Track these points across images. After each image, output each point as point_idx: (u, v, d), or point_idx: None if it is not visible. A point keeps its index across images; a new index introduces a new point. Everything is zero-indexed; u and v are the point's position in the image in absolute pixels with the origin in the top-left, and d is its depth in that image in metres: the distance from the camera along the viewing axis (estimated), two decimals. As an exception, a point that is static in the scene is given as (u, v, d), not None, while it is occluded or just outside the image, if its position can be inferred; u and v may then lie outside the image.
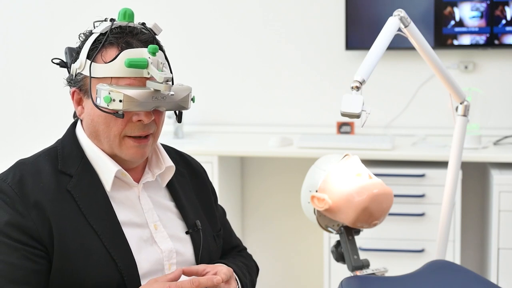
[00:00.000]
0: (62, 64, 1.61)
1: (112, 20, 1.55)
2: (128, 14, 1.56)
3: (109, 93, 1.46)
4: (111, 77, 1.49)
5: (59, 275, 1.48)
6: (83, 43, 1.56)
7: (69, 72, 1.60)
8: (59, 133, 1.66)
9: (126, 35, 1.53)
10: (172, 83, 1.57)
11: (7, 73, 3.87)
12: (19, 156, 1.64)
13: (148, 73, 1.49)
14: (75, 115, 1.63)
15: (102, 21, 1.57)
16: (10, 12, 3.84)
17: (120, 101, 1.46)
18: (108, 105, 1.47)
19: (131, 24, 1.55)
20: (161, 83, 1.46)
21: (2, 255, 1.45)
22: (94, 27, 1.57)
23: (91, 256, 1.49)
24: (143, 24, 1.58)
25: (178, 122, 1.65)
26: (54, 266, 1.48)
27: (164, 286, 1.45)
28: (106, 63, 1.50)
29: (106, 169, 1.56)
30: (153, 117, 1.53)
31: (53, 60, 1.60)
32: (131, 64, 1.47)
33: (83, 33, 1.58)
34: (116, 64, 1.49)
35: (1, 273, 1.44)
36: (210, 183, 1.82)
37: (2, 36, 3.86)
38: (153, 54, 1.48)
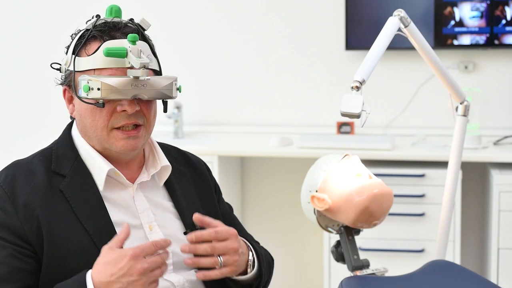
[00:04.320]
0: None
1: (97, 16, 1.56)
2: (114, 10, 1.57)
3: (88, 82, 1.46)
4: (94, 69, 1.50)
5: (50, 276, 1.47)
6: (71, 41, 1.57)
7: None
8: (59, 134, 1.65)
9: (110, 29, 1.53)
10: (161, 74, 1.58)
11: (7, 73, 3.87)
12: (20, 156, 1.64)
13: (129, 63, 1.49)
14: (71, 117, 1.63)
15: (91, 19, 1.57)
16: (10, 13, 3.84)
17: (98, 89, 1.46)
18: (87, 95, 1.47)
19: (116, 19, 1.56)
20: (138, 68, 1.46)
21: None
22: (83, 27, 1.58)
23: (83, 256, 1.48)
24: (131, 19, 1.58)
25: (164, 111, 1.63)
26: (44, 266, 1.47)
27: (121, 253, 1.39)
28: (88, 56, 1.51)
29: (98, 168, 1.56)
30: (137, 107, 1.53)
31: (52, 65, 1.61)
32: (109, 53, 1.47)
33: (74, 33, 1.59)
34: (97, 55, 1.50)
35: None
36: (214, 181, 1.81)
37: (2, 36, 3.86)
38: (133, 42, 1.48)
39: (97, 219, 1.52)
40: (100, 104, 1.49)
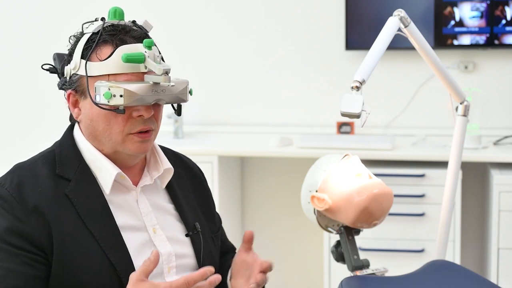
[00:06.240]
0: (52, 70, 1.60)
1: (103, 19, 1.55)
2: (118, 13, 1.56)
3: (109, 89, 1.45)
4: (108, 74, 1.49)
5: (58, 280, 1.46)
6: (75, 44, 1.55)
7: (59, 77, 1.60)
8: (59, 135, 1.64)
9: (119, 32, 1.52)
10: None
11: (7, 73, 3.87)
12: (19, 159, 1.63)
13: (145, 67, 1.48)
14: (71, 119, 1.62)
15: (92, 21, 1.56)
16: (10, 13, 3.84)
17: (121, 96, 1.45)
18: (108, 101, 1.46)
19: (122, 22, 1.55)
20: (160, 75, 1.46)
21: (2, 261, 1.44)
22: (82, 29, 1.56)
23: (90, 261, 1.47)
24: (134, 21, 1.58)
25: (178, 115, 1.63)
26: (53, 271, 1.46)
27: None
28: (101, 61, 1.50)
29: (105, 172, 1.55)
30: (153, 112, 1.52)
31: (43, 66, 1.60)
32: (129, 59, 1.46)
33: (74, 35, 1.57)
34: (112, 61, 1.49)
35: (2, 279, 1.43)
36: (208, 187, 1.81)
37: (2, 36, 3.86)
38: (149, 48, 1.48)
39: (103, 223, 1.51)
40: (121, 110, 1.47)
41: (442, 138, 3.34)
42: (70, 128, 1.62)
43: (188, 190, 1.71)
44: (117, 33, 1.52)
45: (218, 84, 3.69)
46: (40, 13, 3.80)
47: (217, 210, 1.84)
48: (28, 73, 3.84)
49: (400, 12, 1.93)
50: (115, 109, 1.48)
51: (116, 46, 1.50)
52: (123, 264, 1.49)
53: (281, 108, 3.65)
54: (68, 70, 1.54)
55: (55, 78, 1.63)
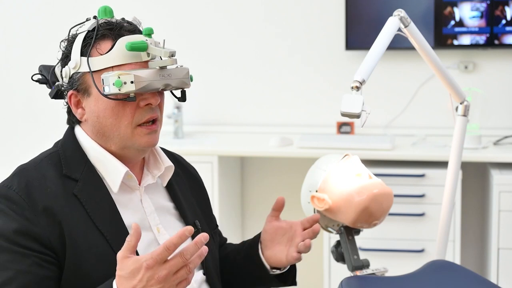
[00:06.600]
0: (43, 80, 1.60)
1: (95, 17, 1.56)
2: (108, 11, 1.57)
3: (119, 77, 1.45)
4: (112, 66, 1.49)
5: (71, 280, 1.46)
6: (70, 45, 1.55)
7: (49, 87, 1.60)
8: (59, 135, 1.64)
9: (115, 27, 1.54)
10: None
11: (7, 73, 3.87)
12: (19, 159, 1.62)
13: (148, 55, 1.50)
14: (69, 122, 1.61)
15: (81, 23, 1.57)
16: (10, 13, 3.84)
17: (132, 82, 1.45)
18: (120, 89, 1.46)
19: (113, 20, 1.57)
20: (166, 58, 1.48)
21: (12, 263, 1.43)
22: (69, 32, 1.56)
23: (102, 261, 1.47)
24: (123, 19, 1.59)
25: (183, 101, 1.63)
26: (65, 271, 1.46)
27: (137, 265, 1.34)
28: (103, 54, 1.50)
29: (114, 171, 1.54)
30: (159, 99, 1.53)
31: (33, 77, 1.60)
32: (133, 47, 1.47)
33: (65, 39, 1.57)
34: (114, 53, 1.49)
35: (12, 280, 1.42)
36: (205, 187, 1.82)
37: (2, 36, 3.86)
38: (149, 36, 1.50)
39: (112, 223, 1.51)
40: (132, 97, 1.48)
41: (442, 138, 3.34)
42: (71, 129, 1.61)
43: (186, 188, 1.72)
44: (114, 27, 1.53)
45: (218, 84, 3.69)
46: (40, 13, 3.80)
47: (217, 210, 1.86)
48: (28, 73, 3.82)
49: (400, 12, 1.93)
50: (126, 98, 1.48)
51: (116, 39, 1.51)
52: None
53: (281, 108, 3.65)
54: (68, 70, 1.54)
55: (58, 87, 1.62)
